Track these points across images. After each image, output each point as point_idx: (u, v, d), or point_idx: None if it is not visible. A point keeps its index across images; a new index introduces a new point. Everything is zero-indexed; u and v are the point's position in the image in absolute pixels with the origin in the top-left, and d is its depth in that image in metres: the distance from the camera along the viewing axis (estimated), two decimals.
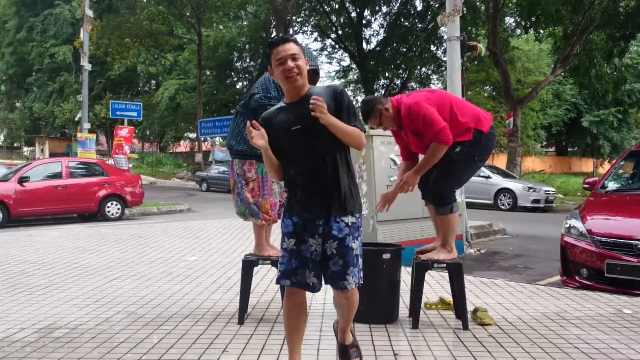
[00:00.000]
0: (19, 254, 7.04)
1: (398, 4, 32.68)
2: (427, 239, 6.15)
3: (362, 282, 2.86)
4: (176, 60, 38.72)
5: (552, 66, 23.25)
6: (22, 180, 12.42)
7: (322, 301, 4.64)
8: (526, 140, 31.91)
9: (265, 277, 5.53)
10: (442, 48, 30.45)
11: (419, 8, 32.19)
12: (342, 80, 38.50)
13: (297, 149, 2.77)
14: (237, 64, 39.07)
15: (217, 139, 36.49)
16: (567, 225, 5.86)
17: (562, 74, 23.43)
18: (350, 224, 2.77)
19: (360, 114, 3.61)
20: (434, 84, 37.29)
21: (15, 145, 55.62)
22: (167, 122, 38.59)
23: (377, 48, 34.24)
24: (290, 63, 2.71)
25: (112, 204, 13.48)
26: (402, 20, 32.93)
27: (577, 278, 5.56)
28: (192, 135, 40.28)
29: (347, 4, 33.31)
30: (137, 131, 27.66)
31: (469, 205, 11.18)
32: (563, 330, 3.96)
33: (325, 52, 37.05)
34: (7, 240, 8.22)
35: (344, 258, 2.74)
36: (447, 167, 3.86)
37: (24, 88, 51.24)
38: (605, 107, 33.94)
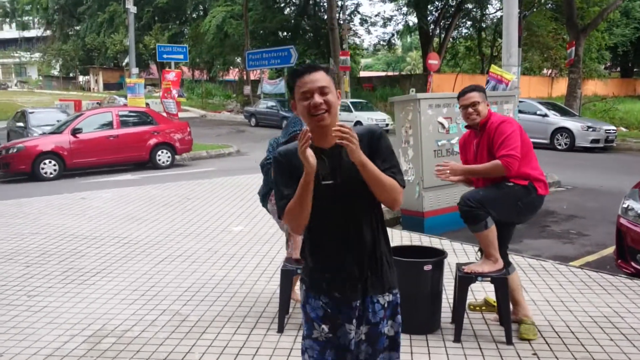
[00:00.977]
0: (72, 226, 7.28)
1: None
2: None
3: None
4: None
5: None
6: (75, 131, 12.72)
7: None
8: (589, 63, 30.13)
9: None
10: None
11: None
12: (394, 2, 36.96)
13: (325, 209, 2.19)
14: None
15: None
16: (624, 206, 5.50)
17: None
18: (386, 304, 2.28)
19: None
20: (491, 4, 35.29)
21: (71, 75, 57.02)
22: (214, 53, 38.37)
23: None
24: (318, 98, 2.15)
25: (162, 152, 13.72)
26: None
27: (633, 264, 5.29)
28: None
29: None
30: (186, 62, 27.53)
31: None
32: (615, 347, 3.80)
33: None
34: (62, 206, 8.51)
35: (373, 346, 2.28)
36: (490, 187, 3.87)
37: (76, 17, 51.79)
38: None
